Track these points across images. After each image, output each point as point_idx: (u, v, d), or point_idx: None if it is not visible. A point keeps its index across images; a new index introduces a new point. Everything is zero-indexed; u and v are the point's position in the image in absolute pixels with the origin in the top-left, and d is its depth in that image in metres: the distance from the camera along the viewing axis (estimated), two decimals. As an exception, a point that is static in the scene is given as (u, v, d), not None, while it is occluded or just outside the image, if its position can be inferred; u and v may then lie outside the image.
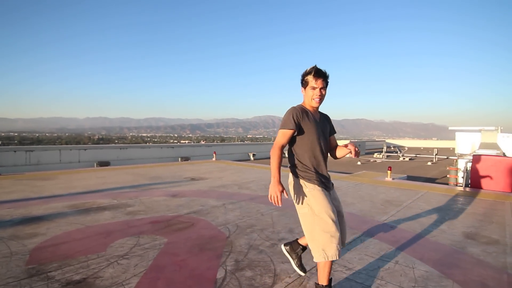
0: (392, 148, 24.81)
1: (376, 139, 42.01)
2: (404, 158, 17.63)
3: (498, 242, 3.13)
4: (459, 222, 3.84)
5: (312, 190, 1.93)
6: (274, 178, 1.81)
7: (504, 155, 9.68)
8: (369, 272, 2.38)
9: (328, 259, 1.83)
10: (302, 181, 1.97)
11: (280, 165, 1.86)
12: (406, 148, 27.34)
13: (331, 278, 2.00)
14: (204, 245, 2.88)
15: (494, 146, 13.05)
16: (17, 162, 9.18)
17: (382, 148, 21.89)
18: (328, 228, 1.82)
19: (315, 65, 1.98)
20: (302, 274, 2.29)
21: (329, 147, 2.14)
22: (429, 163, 15.36)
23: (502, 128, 18.48)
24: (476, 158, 6.41)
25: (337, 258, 1.82)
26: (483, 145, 13.31)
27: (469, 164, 6.54)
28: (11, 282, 2.12)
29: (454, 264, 2.58)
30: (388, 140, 36.55)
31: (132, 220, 3.64)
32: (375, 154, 20.13)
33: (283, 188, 1.82)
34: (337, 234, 1.82)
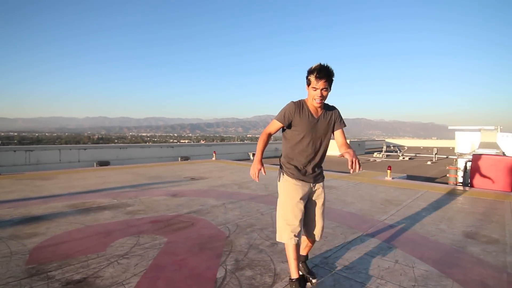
0: (392, 147, 24.82)
1: (376, 139, 42.02)
2: (403, 158, 17.64)
3: (498, 241, 3.13)
4: (459, 221, 3.84)
5: (285, 181, 2.11)
6: (256, 157, 2.00)
7: (504, 154, 9.69)
8: (369, 271, 2.38)
9: (280, 240, 2.05)
10: (281, 171, 2.17)
11: (263, 148, 2.04)
12: (406, 148, 27.36)
13: (303, 275, 2.18)
14: (204, 244, 2.88)
15: (494, 145, 13.06)
16: (17, 162, 9.17)
17: (382, 148, 21.88)
18: (287, 216, 2.04)
19: (319, 64, 1.94)
20: (313, 280, 2.19)
21: (337, 141, 2.13)
22: (429, 163, 15.37)
23: (501, 127, 18.48)
24: (476, 158, 6.42)
25: (288, 242, 2.00)
26: (483, 145, 13.32)
27: (469, 164, 6.54)
28: (11, 281, 2.12)
29: (454, 263, 2.58)
30: (387, 140, 36.54)
31: (132, 220, 3.64)
32: (375, 153, 20.12)
33: (262, 167, 1.98)
34: (294, 224, 2.01)
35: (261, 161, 1.99)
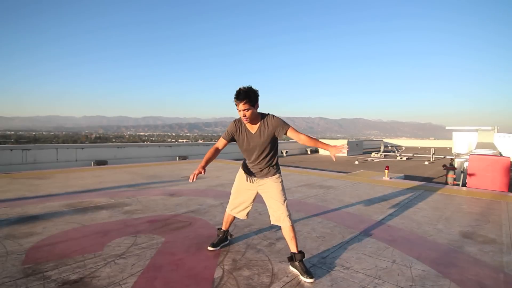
0: (390, 147, 24.88)
1: (374, 139, 42.09)
2: (401, 158, 17.68)
3: (495, 241, 3.15)
4: (456, 221, 3.86)
5: (238, 172, 2.70)
6: (200, 164, 2.33)
7: (501, 154, 9.74)
8: (366, 271, 2.39)
9: (226, 211, 2.77)
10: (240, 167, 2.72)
11: (209, 158, 2.41)
12: (404, 148, 27.42)
13: (218, 242, 2.78)
14: (202, 244, 2.87)
15: (491, 146, 13.12)
16: (14, 161, 9.11)
17: (380, 148, 21.93)
18: (230, 200, 2.73)
19: (238, 89, 2.26)
20: (311, 280, 2.20)
21: (297, 140, 2.44)
22: (426, 163, 15.42)
23: (498, 128, 18.55)
24: (473, 158, 6.45)
25: (229, 214, 2.73)
26: (480, 145, 13.38)
27: (466, 164, 6.56)
28: (7, 281, 2.11)
29: (451, 263, 2.60)
30: (385, 140, 36.61)
31: (129, 219, 3.62)
32: (373, 153, 20.16)
33: (202, 171, 2.31)
34: (232, 207, 2.68)
35: (203, 167, 2.33)
